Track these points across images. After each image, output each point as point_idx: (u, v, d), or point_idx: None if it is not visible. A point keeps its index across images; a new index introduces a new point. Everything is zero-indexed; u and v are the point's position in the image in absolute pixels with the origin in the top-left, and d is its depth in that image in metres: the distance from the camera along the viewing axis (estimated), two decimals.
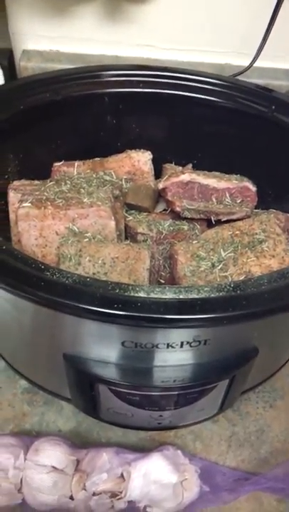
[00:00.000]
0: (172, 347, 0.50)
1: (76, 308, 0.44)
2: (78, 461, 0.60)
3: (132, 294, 0.46)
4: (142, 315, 0.44)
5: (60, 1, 0.92)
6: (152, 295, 0.46)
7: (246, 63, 0.93)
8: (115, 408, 0.59)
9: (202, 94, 0.77)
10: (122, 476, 0.59)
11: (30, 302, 0.46)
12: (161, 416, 0.60)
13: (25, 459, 0.58)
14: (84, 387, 0.57)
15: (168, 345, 0.50)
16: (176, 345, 0.50)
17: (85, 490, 0.57)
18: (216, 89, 0.77)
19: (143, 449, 0.65)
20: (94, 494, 0.57)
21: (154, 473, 0.59)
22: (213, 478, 0.63)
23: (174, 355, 0.52)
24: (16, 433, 0.65)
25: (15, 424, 0.66)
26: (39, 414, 0.68)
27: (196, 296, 0.46)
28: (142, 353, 0.52)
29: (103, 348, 0.52)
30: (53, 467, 0.57)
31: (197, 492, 0.60)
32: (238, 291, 0.47)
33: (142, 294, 0.46)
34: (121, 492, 0.58)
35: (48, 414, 0.68)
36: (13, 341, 0.64)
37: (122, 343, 0.50)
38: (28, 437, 0.63)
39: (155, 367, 0.54)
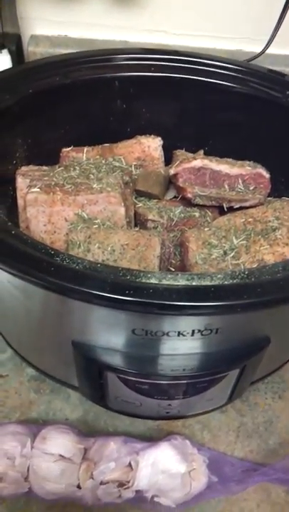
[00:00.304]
0: (183, 335, 0.49)
1: (86, 294, 0.43)
2: (86, 450, 0.59)
3: (143, 280, 0.45)
4: (153, 301, 0.43)
5: None
6: (164, 281, 0.45)
7: (258, 50, 0.91)
8: (123, 397, 0.58)
9: (214, 79, 0.76)
10: (129, 465, 0.58)
11: (39, 288, 0.45)
12: (169, 405, 0.59)
13: (32, 448, 0.58)
14: (92, 375, 0.56)
15: (179, 334, 0.49)
16: (187, 333, 0.49)
17: (92, 479, 0.57)
18: (229, 73, 0.76)
19: (151, 438, 0.64)
20: (101, 483, 0.57)
21: (162, 463, 0.58)
22: (221, 469, 0.63)
23: (185, 344, 0.51)
24: (23, 421, 0.65)
25: (21, 412, 0.66)
26: (46, 403, 0.67)
27: (209, 283, 0.45)
28: (152, 341, 0.51)
29: (113, 335, 0.51)
30: (61, 456, 0.57)
31: (205, 482, 0.60)
32: (253, 279, 0.46)
33: (153, 281, 0.45)
34: (129, 481, 0.57)
35: (54, 402, 0.67)
36: (20, 328, 0.64)
37: (132, 331, 0.49)
38: (35, 425, 0.62)
39: (165, 355, 0.53)
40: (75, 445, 0.58)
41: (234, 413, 0.68)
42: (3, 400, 0.67)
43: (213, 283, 0.45)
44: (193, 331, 0.49)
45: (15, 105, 0.66)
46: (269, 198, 0.71)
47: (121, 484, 0.57)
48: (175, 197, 0.73)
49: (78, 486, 0.57)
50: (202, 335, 0.50)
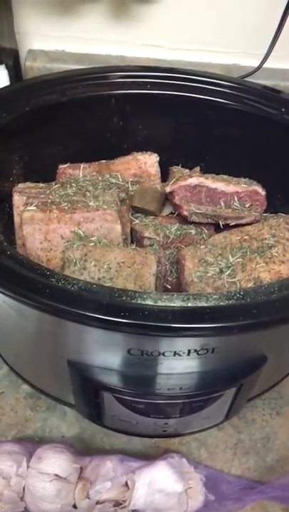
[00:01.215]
0: (179, 355, 0.49)
1: (82, 316, 0.43)
2: (82, 469, 0.59)
3: (139, 302, 0.45)
4: (149, 323, 0.43)
5: (66, 1, 0.91)
6: (160, 303, 0.45)
7: (254, 64, 0.92)
8: (120, 415, 0.58)
9: (210, 96, 0.76)
10: (126, 484, 0.58)
11: (35, 309, 0.45)
12: (166, 424, 0.59)
13: (27, 467, 0.57)
14: (88, 394, 0.56)
15: (175, 353, 0.49)
16: (183, 353, 0.49)
17: (88, 498, 0.57)
18: (224, 90, 0.76)
19: (147, 456, 0.64)
20: (98, 503, 0.57)
21: (159, 482, 0.58)
22: (218, 487, 0.62)
23: (181, 363, 0.51)
24: (19, 439, 0.64)
25: (17, 430, 0.65)
26: (42, 420, 0.67)
27: (204, 304, 0.45)
28: (147, 361, 0.51)
29: (108, 355, 0.51)
30: (56, 475, 0.56)
31: (202, 501, 0.59)
32: (248, 299, 0.46)
33: (149, 302, 0.45)
34: (125, 501, 0.57)
35: (51, 419, 0.67)
36: (16, 346, 0.64)
37: (128, 351, 0.49)
38: (30, 444, 0.62)
39: (161, 374, 0.53)
40: (71, 464, 0.58)
41: (231, 430, 0.68)
42: None
43: (208, 304, 0.45)
44: (189, 351, 0.49)
45: (12, 122, 0.66)
46: (265, 214, 0.71)
47: (117, 504, 0.57)
48: (171, 213, 0.73)
49: (74, 506, 0.57)
50: (198, 354, 0.50)
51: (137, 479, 0.58)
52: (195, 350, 0.49)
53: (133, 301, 0.45)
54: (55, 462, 0.57)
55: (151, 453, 0.65)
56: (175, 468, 0.59)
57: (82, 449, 0.64)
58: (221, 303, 0.45)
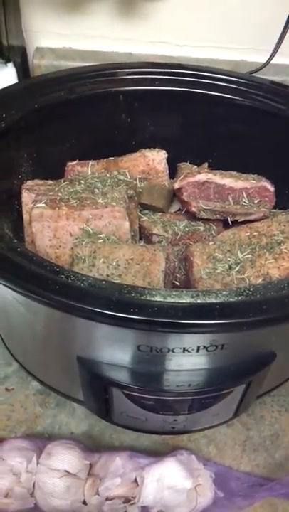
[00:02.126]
0: (188, 351, 0.49)
1: (91, 312, 0.43)
2: (91, 465, 0.59)
3: (148, 298, 0.45)
4: (158, 320, 0.43)
5: None
6: (169, 299, 0.45)
7: (261, 60, 0.92)
8: (129, 412, 0.58)
9: (218, 92, 0.76)
10: (135, 480, 0.58)
11: (44, 306, 0.45)
12: (175, 420, 0.59)
13: (37, 463, 0.58)
14: (98, 390, 0.56)
15: (184, 350, 0.49)
16: (193, 349, 0.49)
17: (98, 495, 0.57)
18: (232, 86, 0.76)
19: (156, 453, 0.64)
20: (107, 499, 0.57)
21: (168, 479, 0.58)
22: (227, 484, 0.62)
23: (190, 360, 0.51)
24: (29, 435, 0.65)
25: (27, 427, 0.66)
26: (51, 416, 0.67)
27: (214, 300, 0.45)
28: (157, 357, 0.51)
29: (118, 351, 0.51)
30: (66, 471, 0.57)
31: (211, 497, 0.59)
32: (258, 296, 0.46)
33: (158, 298, 0.45)
34: (134, 497, 0.57)
35: (60, 416, 0.67)
36: (26, 343, 0.64)
37: (138, 347, 0.49)
38: (40, 440, 0.62)
39: (170, 371, 0.53)
40: (81, 461, 0.58)
41: (240, 427, 0.68)
42: (8, 413, 0.67)
43: (218, 300, 0.45)
44: (198, 347, 0.49)
45: (21, 120, 0.66)
46: (274, 210, 0.71)
47: (127, 500, 0.57)
48: (180, 209, 0.73)
49: (84, 502, 0.57)
50: (207, 351, 0.50)
51: (146, 476, 0.58)
52: (204, 347, 0.49)
53: (142, 297, 0.45)
54: (64, 458, 0.57)
55: (160, 449, 0.65)
56: (184, 464, 0.60)
57: (92, 446, 0.64)
58: (231, 299, 0.45)
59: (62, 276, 0.46)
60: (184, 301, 0.45)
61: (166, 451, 0.64)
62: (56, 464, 0.57)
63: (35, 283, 0.45)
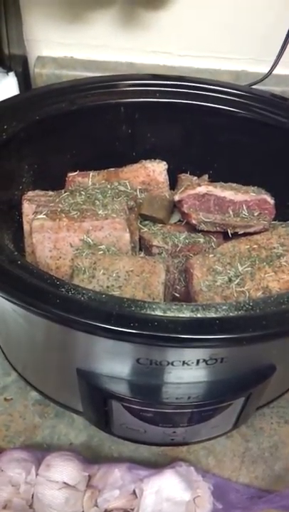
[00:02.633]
0: (188, 364, 0.50)
1: (91, 326, 0.43)
2: (90, 477, 0.59)
3: (148, 312, 0.45)
4: (158, 334, 0.43)
5: (75, 8, 0.92)
6: (169, 313, 0.45)
7: (263, 70, 0.92)
8: (128, 424, 0.58)
9: (218, 104, 0.76)
10: (134, 492, 0.58)
11: (44, 319, 0.45)
12: (174, 432, 0.59)
13: (36, 474, 0.58)
14: (97, 402, 0.56)
15: (183, 363, 0.49)
16: (192, 363, 0.49)
17: (96, 507, 0.57)
18: (232, 98, 0.76)
19: (155, 464, 0.64)
20: (106, 511, 0.57)
21: (167, 491, 0.58)
22: (226, 496, 0.62)
23: (190, 373, 0.51)
24: (27, 446, 0.65)
25: (26, 437, 0.66)
26: (50, 427, 0.67)
27: (214, 315, 0.45)
28: (156, 370, 0.51)
29: (117, 364, 0.52)
30: (65, 483, 0.56)
31: (210, 510, 0.59)
32: (258, 310, 0.46)
33: (158, 312, 0.45)
34: (133, 509, 0.57)
35: (59, 426, 0.67)
36: (25, 354, 0.64)
37: (137, 360, 0.49)
38: (39, 451, 0.62)
39: (169, 384, 0.53)
40: (80, 472, 0.58)
41: (239, 438, 0.68)
42: (7, 424, 0.67)
43: (218, 315, 0.45)
44: (198, 361, 0.49)
45: (21, 131, 0.66)
46: (274, 222, 0.71)
47: None
48: (180, 220, 0.73)
49: None
50: (207, 364, 0.50)
51: (145, 488, 0.58)
52: (204, 360, 0.49)
53: (142, 311, 0.45)
54: (63, 470, 0.57)
55: (159, 461, 0.65)
56: (183, 476, 0.59)
57: (90, 457, 0.64)
58: (231, 314, 0.45)
59: (63, 289, 0.46)
60: (183, 315, 0.45)
61: (165, 462, 0.64)
62: (55, 476, 0.57)
63: (35, 296, 0.45)
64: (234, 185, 0.70)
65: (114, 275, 0.59)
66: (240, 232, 0.67)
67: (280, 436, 0.68)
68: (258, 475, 0.65)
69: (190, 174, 0.79)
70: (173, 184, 0.78)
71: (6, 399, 0.69)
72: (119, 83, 0.76)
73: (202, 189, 0.66)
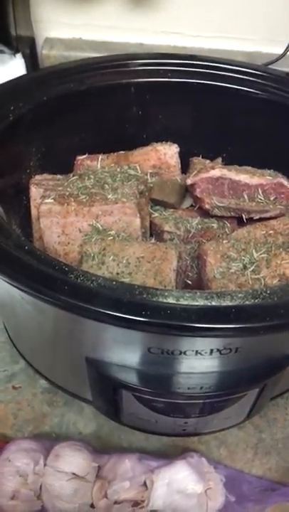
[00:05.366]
0: (201, 354, 0.48)
1: (101, 314, 0.42)
2: (99, 468, 0.58)
3: (160, 300, 0.43)
4: (171, 323, 0.41)
5: None
6: (182, 301, 0.43)
7: (276, 51, 0.90)
8: (138, 414, 0.57)
9: (233, 84, 0.74)
10: (144, 484, 0.57)
11: (52, 306, 0.43)
12: (186, 423, 0.58)
13: (44, 465, 0.57)
14: (106, 391, 0.55)
15: (196, 353, 0.48)
16: (206, 352, 0.48)
17: (106, 498, 0.56)
18: (247, 78, 0.74)
19: (166, 455, 0.63)
20: (116, 502, 0.56)
21: (178, 482, 0.57)
22: (238, 488, 0.61)
23: (202, 363, 0.50)
24: (36, 435, 0.64)
25: (34, 426, 0.65)
26: (59, 416, 0.66)
27: (229, 303, 0.43)
28: (168, 360, 0.49)
29: (128, 353, 0.50)
30: (74, 474, 0.55)
31: (222, 502, 0.58)
32: (275, 298, 0.44)
33: (170, 300, 0.43)
34: (143, 501, 0.56)
35: (68, 415, 0.66)
36: (33, 342, 0.63)
37: (148, 349, 0.48)
38: (48, 441, 0.61)
39: (181, 373, 0.52)
40: (89, 463, 0.57)
41: (252, 429, 0.67)
42: (16, 412, 0.66)
43: (233, 303, 0.43)
44: (211, 350, 0.47)
45: (29, 113, 0.64)
46: None
47: (136, 504, 0.56)
48: (192, 205, 0.71)
49: (92, 506, 0.56)
50: (221, 354, 0.48)
51: (156, 479, 0.57)
52: (218, 350, 0.47)
53: (154, 299, 0.43)
54: (72, 461, 0.56)
55: (169, 451, 0.64)
56: (195, 468, 0.58)
57: (100, 447, 0.63)
58: (247, 302, 0.43)
59: (72, 275, 0.44)
60: (197, 303, 0.43)
61: (176, 452, 0.63)
62: (64, 467, 0.56)
63: (43, 283, 0.43)
64: (249, 168, 0.67)
65: (124, 261, 0.57)
66: (256, 217, 0.65)
67: None
68: (271, 467, 0.63)
69: (202, 157, 0.77)
70: (185, 168, 0.76)
71: (14, 387, 0.68)
72: (130, 62, 0.73)
73: (216, 172, 0.64)
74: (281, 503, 0.60)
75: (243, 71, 0.74)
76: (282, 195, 0.65)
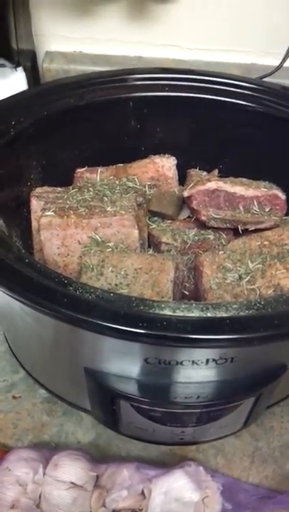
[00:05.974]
0: (197, 364, 0.49)
1: (99, 326, 0.42)
2: (98, 477, 0.59)
3: (157, 312, 0.44)
4: (167, 334, 0.42)
5: (83, 2, 0.91)
6: (178, 312, 0.44)
7: (273, 63, 0.91)
8: (136, 423, 0.57)
9: (228, 97, 0.75)
10: (142, 493, 0.58)
11: (52, 318, 0.44)
12: (183, 432, 0.58)
13: (44, 474, 0.57)
14: (105, 401, 0.56)
15: (193, 363, 0.48)
16: (202, 362, 0.48)
17: (104, 507, 0.56)
18: (243, 91, 0.75)
19: (164, 463, 0.63)
20: (114, 511, 0.56)
21: (176, 491, 0.57)
22: (235, 496, 0.61)
23: (199, 372, 0.50)
24: (35, 444, 0.64)
25: (34, 435, 0.65)
26: (58, 425, 0.67)
27: (224, 314, 0.44)
28: (165, 370, 0.50)
29: (125, 363, 0.51)
30: (72, 483, 0.56)
31: (219, 510, 0.58)
32: (269, 309, 0.45)
33: (167, 312, 0.44)
34: (141, 510, 0.57)
35: (67, 425, 0.67)
36: (33, 352, 0.63)
37: (145, 360, 0.49)
38: (47, 450, 0.62)
39: (178, 383, 0.52)
40: (87, 472, 0.57)
41: (249, 437, 0.67)
42: (15, 422, 0.66)
43: (228, 314, 0.44)
44: (207, 360, 0.48)
45: (30, 127, 0.65)
46: (285, 218, 0.70)
47: None
48: (189, 217, 0.72)
49: None
50: (217, 363, 0.49)
51: (154, 488, 0.57)
52: (213, 360, 0.48)
53: (151, 310, 0.44)
54: (71, 470, 0.57)
55: (167, 460, 0.64)
56: (192, 476, 0.59)
57: (98, 455, 0.63)
58: (241, 313, 0.44)
59: (70, 288, 0.45)
60: (193, 314, 0.44)
61: (174, 461, 0.63)
62: (63, 476, 0.56)
63: (42, 295, 0.44)
64: (245, 180, 0.68)
65: (122, 273, 0.58)
66: (251, 228, 0.66)
67: None
68: (268, 475, 0.64)
69: (199, 169, 0.78)
70: (182, 179, 0.77)
71: (14, 396, 0.69)
72: (128, 77, 0.74)
73: (212, 185, 0.65)
74: (278, 511, 0.61)
75: (239, 85, 0.75)
76: (277, 207, 0.66)
